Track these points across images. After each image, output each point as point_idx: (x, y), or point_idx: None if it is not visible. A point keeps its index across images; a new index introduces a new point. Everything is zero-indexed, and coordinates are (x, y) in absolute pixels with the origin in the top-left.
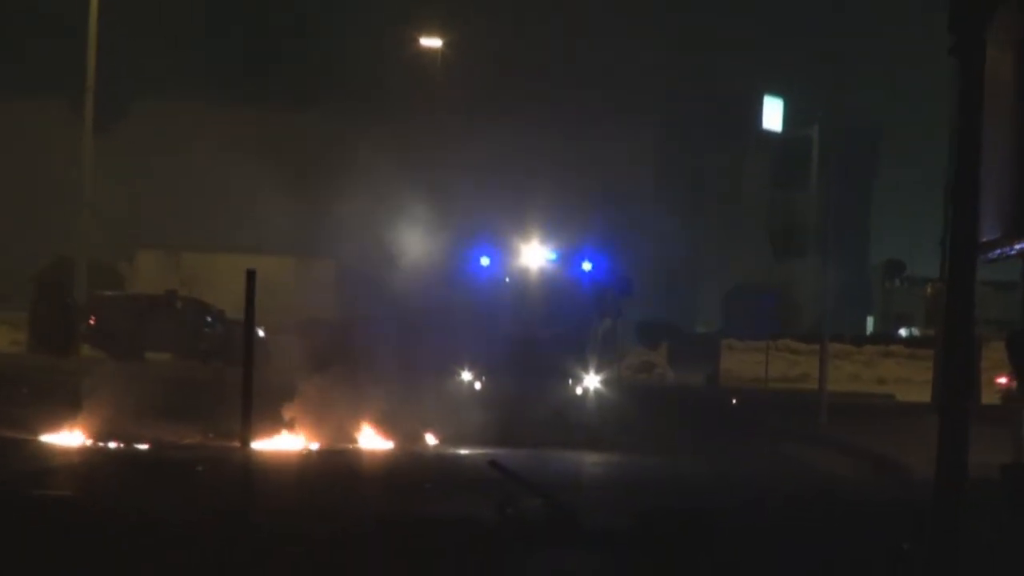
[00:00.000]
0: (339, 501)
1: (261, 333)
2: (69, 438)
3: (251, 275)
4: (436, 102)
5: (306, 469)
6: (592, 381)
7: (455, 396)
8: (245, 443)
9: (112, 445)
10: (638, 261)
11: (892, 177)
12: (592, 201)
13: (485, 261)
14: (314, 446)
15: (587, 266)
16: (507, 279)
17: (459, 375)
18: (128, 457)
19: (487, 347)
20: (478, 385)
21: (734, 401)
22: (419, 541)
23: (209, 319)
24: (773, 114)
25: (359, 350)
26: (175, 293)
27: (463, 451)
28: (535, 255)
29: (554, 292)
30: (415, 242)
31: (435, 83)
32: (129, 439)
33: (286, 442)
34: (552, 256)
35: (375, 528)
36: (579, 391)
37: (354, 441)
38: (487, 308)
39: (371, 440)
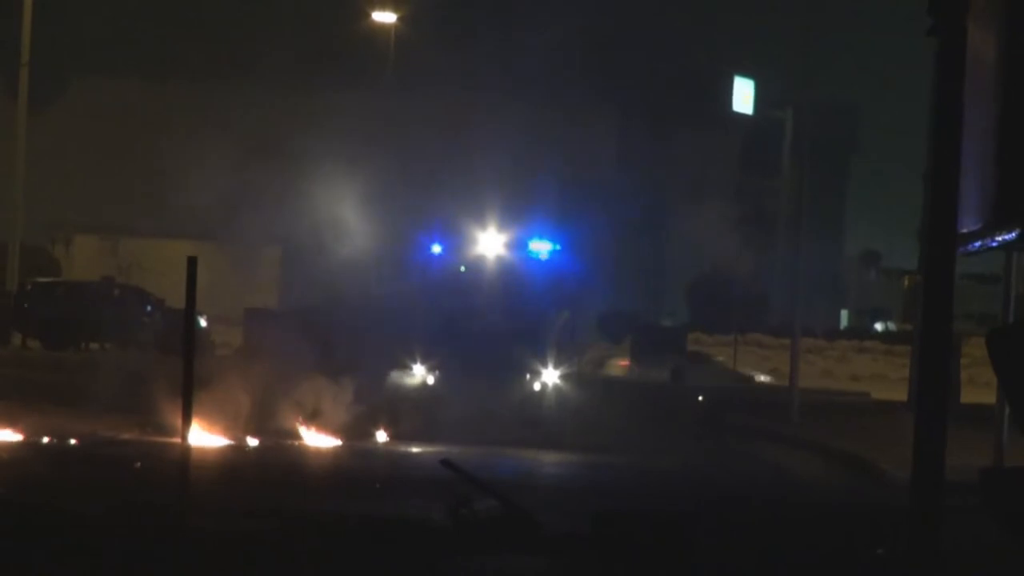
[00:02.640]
0: (280, 499)
1: (203, 322)
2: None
3: (192, 262)
4: (389, 81)
5: (247, 465)
6: (551, 376)
7: (406, 391)
8: (184, 438)
9: (46, 440)
10: (599, 250)
11: (869, 164)
12: (551, 187)
13: (436, 249)
14: (254, 442)
15: (544, 255)
16: (462, 268)
17: (411, 369)
18: (63, 452)
19: (440, 340)
20: (431, 380)
21: (700, 398)
22: (365, 542)
23: (148, 308)
24: (743, 96)
25: (307, 341)
26: (113, 280)
27: (414, 448)
28: (492, 243)
29: (511, 282)
30: (363, 228)
31: (388, 61)
32: (63, 434)
33: (227, 437)
34: (550, 247)
35: (318, 528)
36: (537, 386)
37: (299, 437)
38: (440, 299)
39: (317, 436)
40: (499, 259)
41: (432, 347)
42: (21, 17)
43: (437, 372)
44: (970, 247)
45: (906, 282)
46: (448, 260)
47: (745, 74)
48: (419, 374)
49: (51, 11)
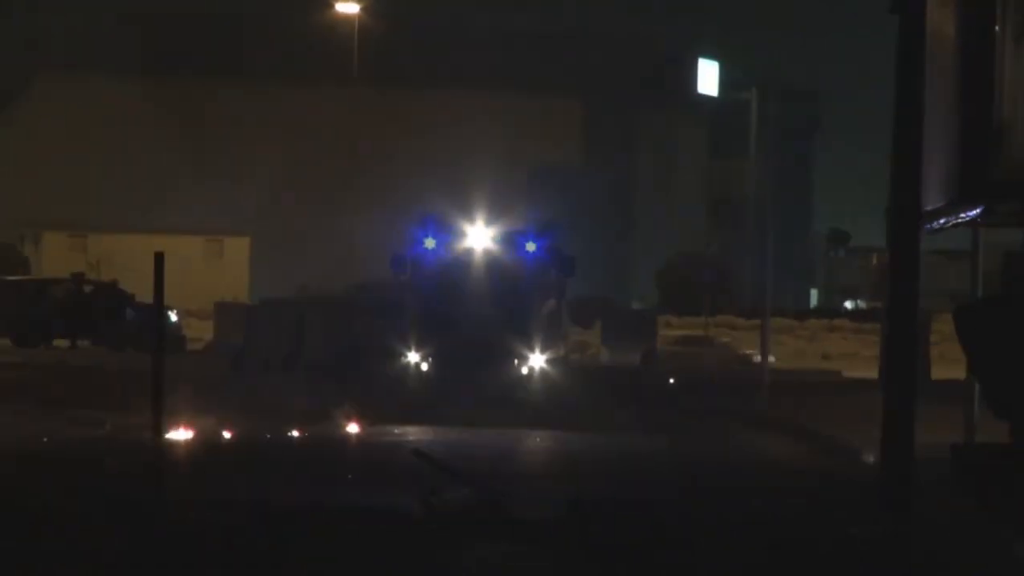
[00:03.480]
0: (258, 491)
1: (174, 317)
2: None
3: (159, 258)
4: (355, 74)
5: (222, 458)
6: (538, 361)
7: (402, 377)
8: (158, 433)
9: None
10: (573, 236)
11: (836, 143)
12: (528, 176)
13: (430, 243)
14: (227, 434)
15: (530, 246)
16: (453, 260)
17: (405, 356)
18: (36, 450)
19: (433, 328)
20: (425, 366)
21: (671, 381)
22: (339, 532)
23: (119, 304)
24: (709, 78)
25: (301, 332)
26: (83, 276)
27: (397, 431)
28: (480, 236)
29: (499, 273)
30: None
31: (353, 53)
32: (39, 432)
33: (202, 431)
34: (535, 239)
35: (290, 519)
36: (524, 371)
37: (280, 427)
38: (433, 290)
39: (299, 426)
40: (487, 251)
41: (426, 334)
42: None
43: (430, 358)
44: (936, 224)
45: (874, 260)
46: (439, 253)
47: (710, 56)
48: (414, 361)
49: (16, 9)
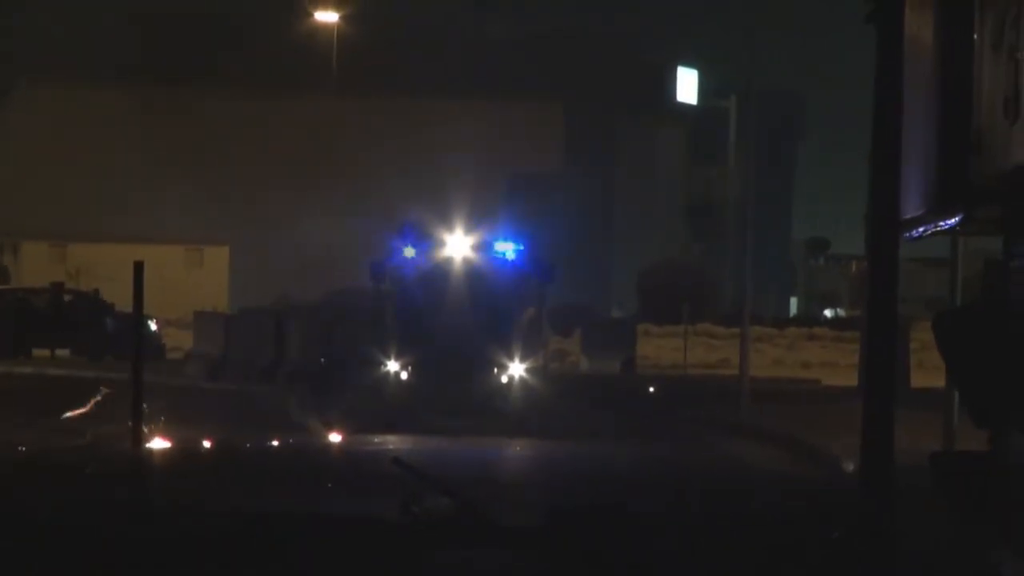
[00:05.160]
0: (235, 499)
1: (153, 326)
2: None
3: (139, 267)
4: (334, 82)
5: (201, 467)
6: (518, 369)
7: (380, 386)
8: (136, 442)
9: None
10: (551, 243)
11: (815, 151)
12: (506, 184)
13: (409, 252)
14: (207, 443)
15: (510, 254)
16: (432, 269)
17: (385, 365)
18: (13, 460)
19: (413, 337)
20: (404, 375)
21: (651, 389)
22: (316, 541)
23: (99, 313)
24: (688, 86)
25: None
26: (62, 286)
27: (376, 439)
28: (459, 244)
29: (478, 281)
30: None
31: (332, 61)
32: (15, 441)
33: (180, 439)
34: (514, 247)
35: (268, 528)
36: (504, 379)
37: (260, 436)
38: (412, 298)
39: (277, 434)
40: (465, 260)
41: (405, 343)
42: None
43: (409, 367)
44: (915, 232)
45: (853, 267)
46: (419, 262)
47: (689, 64)
48: (392, 368)
49: None
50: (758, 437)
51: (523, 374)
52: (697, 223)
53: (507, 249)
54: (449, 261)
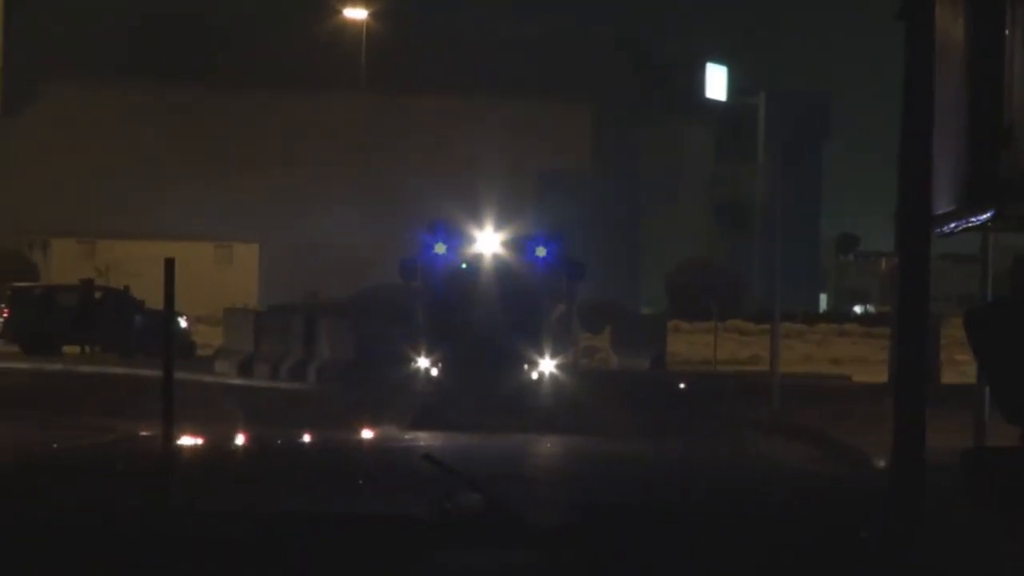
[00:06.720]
0: (262, 497)
1: (183, 323)
2: None
3: (170, 264)
4: (363, 79)
5: (231, 464)
6: (548, 366)
7: (411, 382)
8: (167, 439)
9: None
10: (581, 240)
11: (846, 146)
12: (535, 181)
13: (440, 249)
14: (237, 441)
15: (540, 251)
16: (464, 266)
17: (415, 362)
18: (46, 456)
19: (443, 334)
20: (435, 371)
21: (681, 386)
22: (347, 539)
23: (129, 309)
24: (717, 82)
25: (310, 338)
26: (92, 283)
27: (407, 436)
28: (489, 241)
29: (508, 278)
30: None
31: (360, 58)
32: (49, 438)
33: (210, 437)
34: (545, 244)
35: (300, 527)
36: (534, 376)
37: (290, 433)
38: (443, 295)
39: (308, 431)
40: (496, 257)
41: (435, 340)
42: None
43: (440, 364)
44: (946, 228)
45: (883, 264)
46: (450, 259)
47: (718, 61)
48: (422, 365)
49: (24, 16)
50: (788, 434)
51: (553, 371)
52: (725, 220)
53: (537, 246)
54: (479, 258)
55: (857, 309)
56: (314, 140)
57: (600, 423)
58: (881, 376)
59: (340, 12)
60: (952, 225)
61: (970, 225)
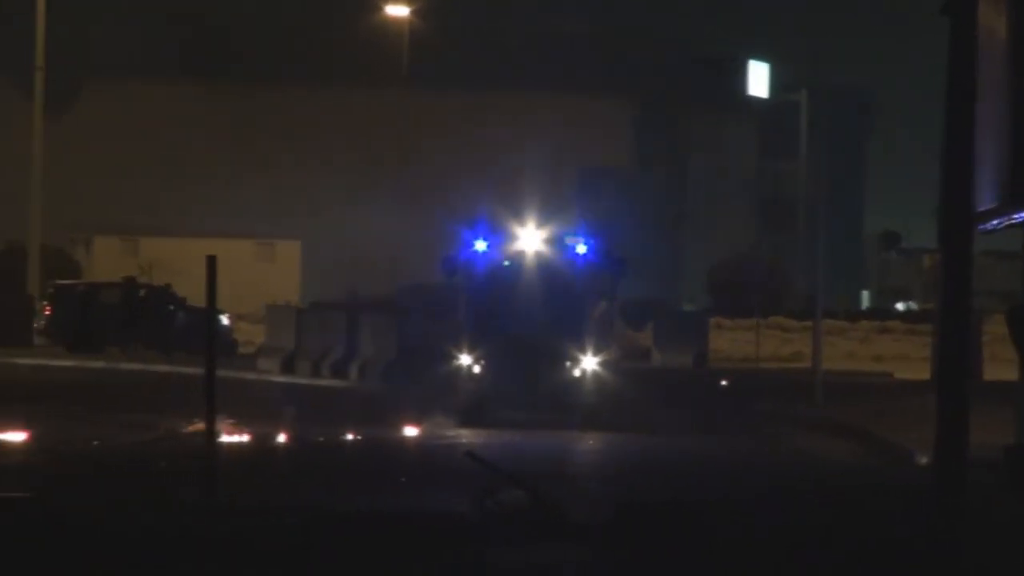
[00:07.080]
0: (305, 494)
1: (225, 320)
2: (22, 435)
3: (211, 261)
4: (405, 76)
5: (274, 461)
6: (590, 363)
7: (453, 379)
8: (211, 436)
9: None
10: (622, 237)
11: (888, 143)
12: (577, 178)
13: (481, 245)
14: (281, 437)
15: (582, 248)
16: (506, 263)
17: (457, 359)
18: (90, 454)
19: (485, 331)
20: (477, 368)
21: (723, 383)
22: (390, 536)
23: (171, 307)
24: (759, 79)
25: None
26: (135, 280)
27: (450, 433)
28: (531, 238)
29: (550, 275)
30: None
31: (403, 55)
32: (91, 436)
33: (254, 434)
34: (586, 241)
35: (343, 524)
36: (577, 373)
37: (333, 430)
38: (484, 292)
39: (351, 428)
40: (538, 253)
41: (477, 337)
42: (36, 21)
43: (482, 360)
44: (988, 225)
45: (926, 261)
46: (492, 256)
47: (760, 57)
48: (464, 362)
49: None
50: (831, 431)
51: (595, 368)
52: (767, 216)
53: (579, 243)
54: (521, 255)
55: (900, 306)
56: (356, 137)
57: (642, 420)
58: (923, 373)
59: (382, 9)
60: (995, 222)
61: (1013, 222)
